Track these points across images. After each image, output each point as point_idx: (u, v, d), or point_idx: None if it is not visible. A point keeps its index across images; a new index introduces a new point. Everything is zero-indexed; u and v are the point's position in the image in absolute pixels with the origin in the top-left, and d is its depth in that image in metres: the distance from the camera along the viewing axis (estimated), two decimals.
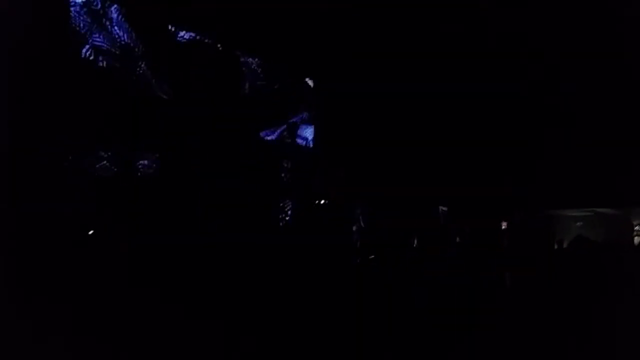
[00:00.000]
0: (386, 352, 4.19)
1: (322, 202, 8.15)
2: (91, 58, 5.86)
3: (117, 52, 6.12)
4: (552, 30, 8.67)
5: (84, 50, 5.84)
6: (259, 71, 8.01)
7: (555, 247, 8.81)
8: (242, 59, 7.77)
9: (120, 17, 6.21)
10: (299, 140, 8.74)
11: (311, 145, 8.89)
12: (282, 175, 8.16)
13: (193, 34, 7.03)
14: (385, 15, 8.28)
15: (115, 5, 6.13)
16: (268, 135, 8.16)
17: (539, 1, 8.31)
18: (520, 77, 9.68)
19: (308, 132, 8.93)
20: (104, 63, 5.98)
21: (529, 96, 10.06)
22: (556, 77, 9.76)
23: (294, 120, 8.70)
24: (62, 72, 5.69)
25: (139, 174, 5.93)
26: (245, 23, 7.27)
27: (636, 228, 12.39)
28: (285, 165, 8.23)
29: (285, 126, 8.47)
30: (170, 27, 6.75)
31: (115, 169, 5.66)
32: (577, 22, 8.48)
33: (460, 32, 8.74)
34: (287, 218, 7.74)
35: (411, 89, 9.01)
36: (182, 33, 6.95)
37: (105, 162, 5.62)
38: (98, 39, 5.97)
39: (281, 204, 7.81)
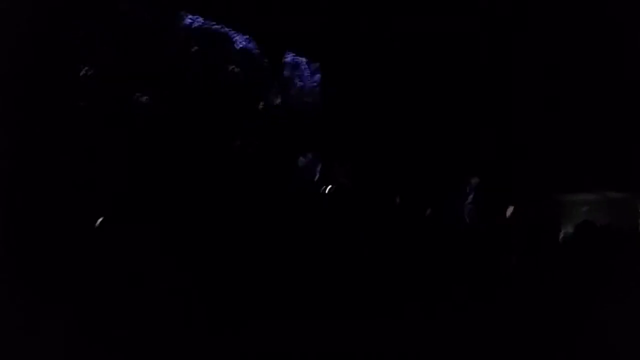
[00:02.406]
0: (386, 350, 4.18)
1: (324, 197, 8.13)
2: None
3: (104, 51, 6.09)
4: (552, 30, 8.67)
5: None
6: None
7: (561, 232, 8.76)
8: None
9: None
10: (298, 82, 8.15)
11: (319, 91, 8.40)
12: (282, 172, 8.11)
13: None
14: (385, 14, 8.29)
15: None
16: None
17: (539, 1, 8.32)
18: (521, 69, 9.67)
19: (305, 71, 8.32)
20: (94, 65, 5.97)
21: (533, 82, 9.98)
22: (559, 61, 9.69)
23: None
24: (61, 72, 5.70)
25: (139, 171, 5.95)
26: (244, 22, 7.26)
27: None
28: (286, 159, 8.18)
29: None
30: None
31: (115, 168, 5.68)
32: (577, 21, 8.47)
33: (460, 31, 8.77)
34: (287, 215, 7.71)
35: (411, 88, 9.02)
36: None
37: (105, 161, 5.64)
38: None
39: (281, 200, 7.79)
